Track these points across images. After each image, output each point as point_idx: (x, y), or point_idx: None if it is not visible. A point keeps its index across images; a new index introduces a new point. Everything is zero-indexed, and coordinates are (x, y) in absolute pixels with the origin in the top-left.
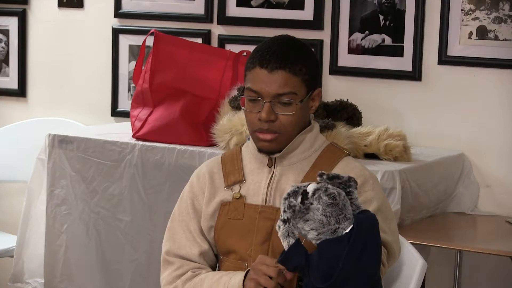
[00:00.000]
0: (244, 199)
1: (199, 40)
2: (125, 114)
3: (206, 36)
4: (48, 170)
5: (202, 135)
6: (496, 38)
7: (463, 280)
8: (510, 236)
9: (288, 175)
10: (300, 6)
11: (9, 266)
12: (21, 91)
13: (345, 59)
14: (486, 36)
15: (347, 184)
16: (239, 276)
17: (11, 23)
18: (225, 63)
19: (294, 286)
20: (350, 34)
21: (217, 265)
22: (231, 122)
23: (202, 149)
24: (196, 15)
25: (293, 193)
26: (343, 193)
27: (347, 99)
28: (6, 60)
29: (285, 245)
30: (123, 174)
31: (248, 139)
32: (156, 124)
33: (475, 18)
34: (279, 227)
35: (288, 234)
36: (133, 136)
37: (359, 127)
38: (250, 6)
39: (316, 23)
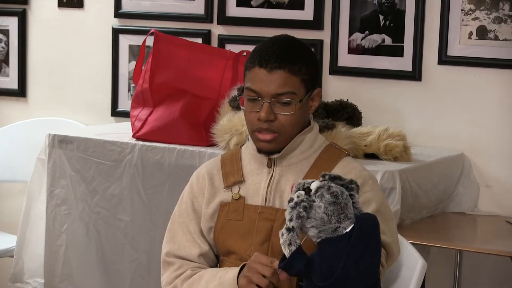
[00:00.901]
0: (243, 200)
1: (199, 40)
2: (125, 114)
3: (206, 36)
4: (48, 170)
5: (202, 135)
6: (496, 38)
7: (463, 280)
8: (510, 236)
9: (288, 175)
10: (300, 6)
11: (9, 266)
12: (21, 91)
13: (345, 59)
14: (486, 36)
15: (348, 187)
16: (233, 270)
17: (11, 23)
18: (225, 63)
19: (294, 286)
20: (350, 34)
21: (218, 265)
22: (231, 122)
23: (202, 149)
24: (196, 15)
25: (300, 202)
26: (346, 192)
27: (347, 99)
28: (6, 60)
29: (287, 253)
30: (123, 174)
31: (248, 139)
32: (156, 124)
33: (475, 18)
34: (283, 234)
35: (290, 243)
36: (133, 136)
37: (359, 127)
38: (250, 6)
39: (316, 23)
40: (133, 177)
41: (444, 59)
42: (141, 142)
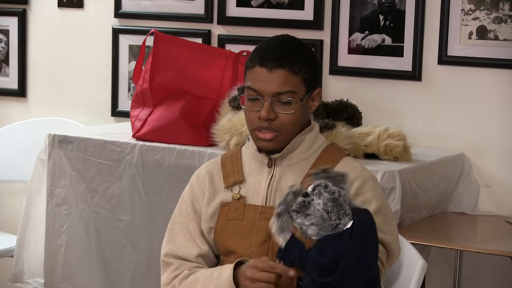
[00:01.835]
0: (244, 200)
1: (199, 40)
2: (125, 114)
3: (206, 36)
4: (48, 170)
5: (202, 135)
6: (496, 38)
7: (463, 280)
8: (510, 236)
9: (288, 175)
10: (300, 6)
11: (9, 266)
12: (21, 91)
13: (345, 59)
14: (486, 36)
15: (337, 180)
16: (227, 272)
17: (11, 23)
18: (225, 63)
19: (294, 286)
20: (350, 34)
21: (218, 265)
22: (231, 122)
23: (202, 149)
24: (196, 15)
25: (291, 193)
26: (343, 191)
27: (347, 99)
28: (6, 60)
29: (281, 241)
30: (123, 174)
31: (248, 139)
32: (156, 124)
33: (475, 18)
34: (273, 222)
35: (282, 229)
36: (133, 136)
37: (359, 127)
38: (250, 6)
39: (316, 23)
40: (133, 177)
41: (444, 59)
42: (141, 142)
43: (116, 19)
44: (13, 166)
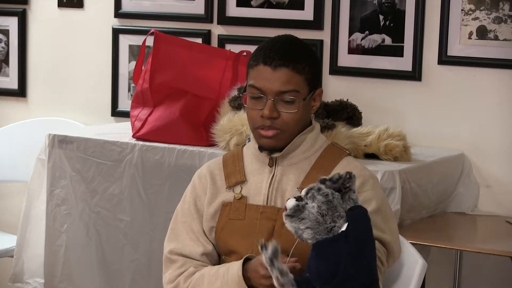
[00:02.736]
0: (245, 200)
1: (199, 40)
2: (125, 114)
3: (206, 36)
4: (48, 170)
5: (202, 135)
6: (496, 38)
7: (463, 280)
8: (510, 236)
9: (289, 175)
10: (300, 6)
11: (9, 266)
12: (21, 91)
13: (345, 59)
14: (486, 36)
15: (346, 180)
16: (235, 267)
17: (11, 23)
18: (225, 63)
19: None
20: (350, 34)
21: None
22: (231, 122)
23: (202, 149)
24: (196, 15)
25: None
26: (336, 193)
27: (347, 99)
28: (6, 60)
29: None
30: (123, 174)
31: (249, 140)
32: (156, 124)
33: (475, 18)
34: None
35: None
36: (133, 136)
37: (359, 127)
38: (250, 6)
39: (316, 23)
40: (133, 177)
41: (444, 59)
42: (141, 142)
43: (116, 19)
44: (13, 166)
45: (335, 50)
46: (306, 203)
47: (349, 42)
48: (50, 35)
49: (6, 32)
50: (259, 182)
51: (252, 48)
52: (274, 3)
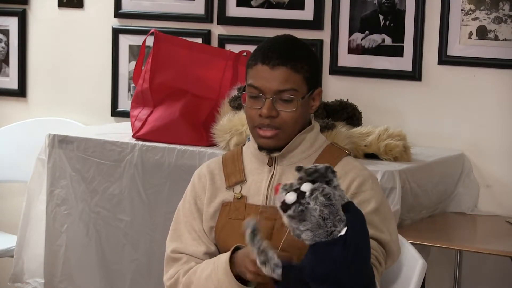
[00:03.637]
0: (245, 199)
1: (199, 40)
2: (125, 114)
3: (206, 36)
4: (48, 170)
5: (202, 135)
6: (496, 38)
7: (463, 280)
8: (510, 236)
9: (289, 174)
10: (300, 6)
11: (9, 266)
12: (21, 91)
13: (345, 59)
14: (486, 36)
15: (325, 175)
16: (226, 253)
17: (11, 23)
18: (225, 63)
19: None
20: (350, 34)
21: None
22: (231, 122)
23: (202, 149)
24: (196, 15)
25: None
26: (337, 193)
27: (347, 99)
28: (6, 60)
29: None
30: (123, 174)
31: (248, 139)
32: (156, 124)
33: (475, 18)
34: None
35: (277, 266)
36: (133, 136)
37: (359, 127)
38: (250, 6)
39: (316, 23)
40: (133, 177)
41: (444, 59)
42: (141, 142)
43: (116, 19)
44: (13, 166)
45: (335, 50)
46: (308, 203)
47: (349, 42)
48: (50, 35)
49: (6, 32)
50: (259, 182)
51: (252, 48)
52: (274, 3)
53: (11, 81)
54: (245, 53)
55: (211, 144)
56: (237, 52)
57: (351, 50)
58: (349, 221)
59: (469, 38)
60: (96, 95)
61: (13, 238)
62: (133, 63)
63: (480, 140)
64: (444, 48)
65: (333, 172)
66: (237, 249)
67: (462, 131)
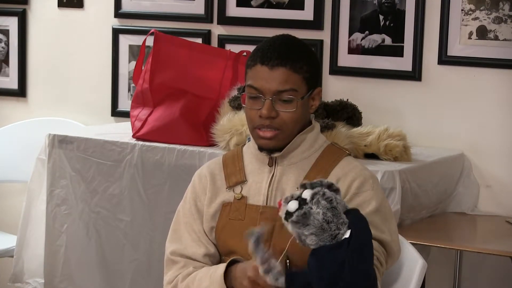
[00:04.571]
0: (245, 200)
1: (199, 40)
2: (125, 114)
3: (206, 36)
4: (48, 170)
5: (202, 135)
6: (496, 38)
7: (463, 280)
8: (510, 236)
9: (289, 175)
10: (300, 6)
11: (9, 266)
12: (21, 91)
13: (345, 59)
14: (486, 36)
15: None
16: (221, 268)
17: (11, 23)
18: (225, 63)
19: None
20: (350, 34)
21: None
22: (231, 122)
23: (202, 149)
24: (196, 15)
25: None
26: (338, 197)
27: (347, 99)
28: (6, 60)
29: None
30: (123, 174)
31: (249, 139)
32: (156, 124)
33: (475, 18)
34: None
35: (277, 278)
36: (133, 136)
37: (359, 127)
38: (250, 6)
39: (316, 23)
40: (133, 177)
41: (444, 59)
42: (141, 142)
43: (116, 19)
44: (13, 166)
45: (335, 50)
46: (311, 208)
47: (349, 42)
48: (50, 35)
49: (6, 32)
50: (259, 182)
51: (252, 48)
52: (274, 3)
53: (11, 81)
54: (245, 53)
55: (211, 144)
56: (237, 52)
57: (351, 50)
58: (352, 223)
59: (469, 38)
60: (96, 95)
61: (13, 238)
62: (133, 63)
63: (480, 140)
64: (444, 48)
65: (336, 190)
66: (233, 262)
67: (462, 131)
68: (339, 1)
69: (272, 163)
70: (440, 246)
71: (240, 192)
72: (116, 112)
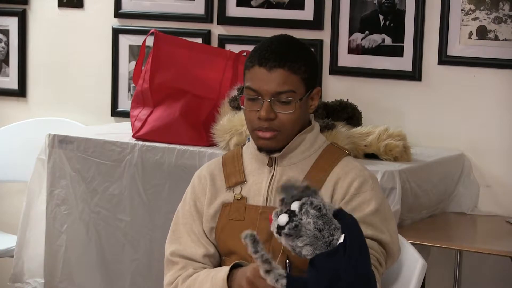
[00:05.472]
0: (245, 200)
1: (199, 40)
2: (125, 114)
3: (206, 36)
4: (48, 170)
5: (202, 135)
6: (496, 38)
7: (463, 280)
8: (510, 236)
9: (289, 175)
10: (300, 6)
11: (9, 266)
12: (21, 91)
13: (345, 59)
14: (486, 36)
15: (305, 193)
16: (224, 271)
17: (11, 23)
18: (225, 63)
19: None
20: (350, 34)
21: (220, 266)
22: (231, 122)
23: (202, 149)
24: (196, 15)
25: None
26: (326, 202)
27: (347, 99)
28: (6, 60)
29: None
30: (123, 174)
31: (248, 139)
32: (156, 124)
33: (475, 18)
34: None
35: (277, 279)
36: (133, 136)
37: (359, 127)
38: (250, 6)
39: (316, 23)
40: (133, 177)
41: (444, 59)
42: (141, 142)
43: (116, 19)
44: (13, 166)
45: (335, 50)
46: (301, 219)
47: (349, 42)
48: (50, 35)
49: (6, 32)
50: (259, 182)
51: (252, 48)
52: (274, 3)
53: (11, 81)
54: (245, 53)
55: (211, 144)
56: (237, 52)
57: (351, 50)
58: (344, 227)
59: (469, 38)
60: (96, 95)
61: (13, 238)
62: (133, 63)
63: (480, 140)
64: (444, 48)
65: (315, 191)
66: (237, 265)
67: (462, 131)
68: (339, 1)
69: (271, 163)
70: (440, 246)
71: (240, 192)
72: (116, 112)
